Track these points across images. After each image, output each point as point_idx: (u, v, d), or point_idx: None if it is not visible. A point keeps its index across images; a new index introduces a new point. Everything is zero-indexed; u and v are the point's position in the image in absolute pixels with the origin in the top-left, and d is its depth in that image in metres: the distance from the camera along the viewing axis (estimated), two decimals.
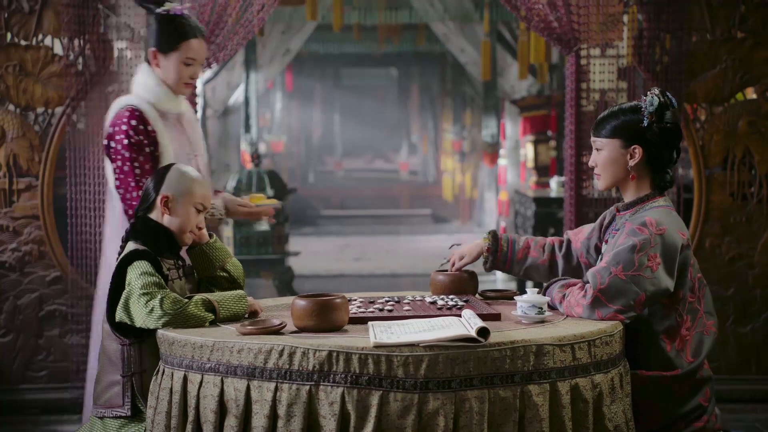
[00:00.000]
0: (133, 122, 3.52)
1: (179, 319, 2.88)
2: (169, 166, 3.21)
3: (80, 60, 5.20)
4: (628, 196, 3.13)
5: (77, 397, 5.19)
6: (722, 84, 5.32)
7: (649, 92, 3.08)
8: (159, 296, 2.88)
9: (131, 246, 3.07)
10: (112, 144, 3.54)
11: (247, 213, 3.71)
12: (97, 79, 5.20)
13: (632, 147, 3.06)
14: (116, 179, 3.54)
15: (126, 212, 3.53)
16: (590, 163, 3.17)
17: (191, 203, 3.14)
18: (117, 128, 3.54)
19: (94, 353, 3.70)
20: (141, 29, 5.25)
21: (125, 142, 3.51)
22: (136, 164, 3.50)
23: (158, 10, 3.60)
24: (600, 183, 3.15)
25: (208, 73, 10.53)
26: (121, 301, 2.94)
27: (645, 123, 3.04)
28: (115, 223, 3.66)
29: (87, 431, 3.12)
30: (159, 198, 3.12)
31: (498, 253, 3.36)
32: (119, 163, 3.52)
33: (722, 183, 5.39)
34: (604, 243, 3.22)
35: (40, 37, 5.22)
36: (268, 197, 3.64)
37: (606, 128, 3.10)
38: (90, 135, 5.22)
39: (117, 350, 3.02)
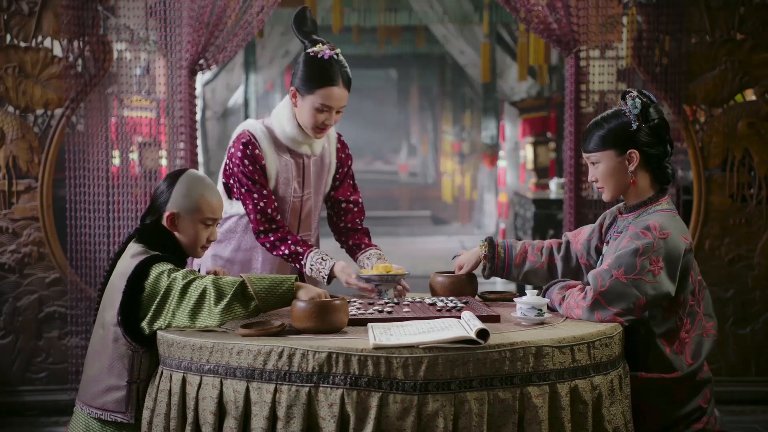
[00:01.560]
0: (248, 151, 3.51)
1: (227, 317, 2.84)
2: (178, 175, 3.14)
3: (80, 62, 5.20)
4: (631, 199, 3.12)
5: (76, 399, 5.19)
6: (721, 86, 5.33)
7: (627, 96, 3.07)
8: (210, 279, 2.86)
9: (139, 249, 3.03)
10: (230, 165, 3.56)
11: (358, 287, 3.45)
12: (97, 80, 5.20)
13: (628, 152, 3.05)
14: (238, 197, 3.58)
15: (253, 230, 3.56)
16: (590, 179, 3.16)
17: (198, 220, 3.09)
18: (233, 151, 3.55)
19: None
20: (140, 31, 5.25)
21: (240, 169, 3.52)
22: (253, 190, 3.52)
23: (308, 50, 3.50)
24: (605, 195, 3.13)
25: (207, 75, 10.56)
26: (155, 304, 2.89)
27: (634, 126, 3.04)
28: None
29: (82, 430, 3.07)
30: (165, 216, 3.07)
31: (495, 260, 3.35)
32: (237, 186, 3.55)
33: (722, 184, 5.39)
34: (605, 244, 3.22)
35: (40, 38, 5.22)
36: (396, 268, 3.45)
37: (594, 141, 3.09)
38: (89, 136, 5.23)
39: (125, 356, 2.95)
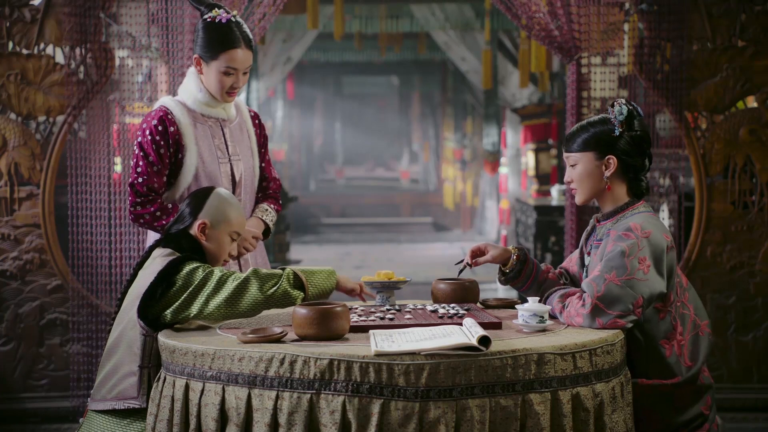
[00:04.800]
0: (155, 122, 3.52)
1: (272, 301, 2.99)
2: (209, 190, 3.25)
3: (81, 69, 5.20)
4: (607, 206, 3.16)
5: (78, 406, 5.20)
6: (723, 92, 5.33)
7: (615, 102, 3.12)
8: (251, 276, 2.99)
9: (166, 251, 3.11)
10: (137, 134, 3.57)
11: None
12: (99, 87, 5.20)
13: (606, 158, 3.10)
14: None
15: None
16: (565, 179, 3.21)
17: (227, 232, 3.21)
18: (143, 125, 3.56)
19: None
20: (142, 38, 5.26)
21: (139, 140, 3.53)
22: (140, 163, 3.51)
23: (205, 16, 3.53)
24: (577, 197, 3.18)
25: None
26: (187, 294, 2.98)
27: (617, 132, 3.08)
28: None
29: (86, 429, 3.09)
30: (197, 224, 3.17)
31: (525, 267, 3.32)
32: (134, 156, 3.56)
33: (723, 191, 5.39)
34: (587, 255, 3.23)
35: (42, 45, 5.22)
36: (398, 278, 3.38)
37: (577, 142, 3.13)
38: (91, 143, 5.23)
39: (138, 340, 3.02)
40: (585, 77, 5.36)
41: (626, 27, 5.40)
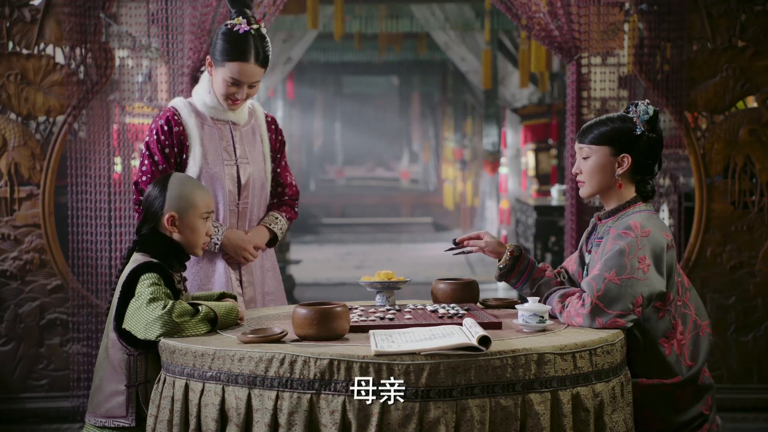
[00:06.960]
0: (161, 122, 3.58)
1: (181, 329, 2.89)
2: (166, 180, 3.17)
3: (82, 69, 5.20)
4: (611, 204, 3.15)
5: (78, 406, 5.20)
6: (723, 93, 5.32)
7: (640, 102, 3.11)
8: (169, 305, 2.88)
9: (140, 258, 3.07)
10: (146, 137, 3.63)
11: None
12: (99, 87, 5.20)
13: (621, 155, 3.08)
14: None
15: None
16: (574, 170, 3.18)
17: (197, 216, 3.14)
18: (152, 125, 3.62)
19: None
20: (142, 38, 5.26)
21: (147, 139, 3.60)
22: (145, 162, 3.57)
23: (227, 22, 3.55)
24: (584, 190, 3.16)
25: None
26: (129, 310, 2.94)
27: (638, 131, 3.06)
28: None
29: None
30: (165, 219, 3.11)
31: (519, 263, 3.32)
32: (141, 155, 3.62)
33: (723, 191, 5.39)
34: (587, 253, 3.23)
35: (42, 46, 5.22)
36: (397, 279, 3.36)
37: (594, 134, 3.11)
38: (91, 143, 5.23)
39: (122, 360, 3.00)
40: (585, 77, 5.36)
41: (626, 27, 5.40)
